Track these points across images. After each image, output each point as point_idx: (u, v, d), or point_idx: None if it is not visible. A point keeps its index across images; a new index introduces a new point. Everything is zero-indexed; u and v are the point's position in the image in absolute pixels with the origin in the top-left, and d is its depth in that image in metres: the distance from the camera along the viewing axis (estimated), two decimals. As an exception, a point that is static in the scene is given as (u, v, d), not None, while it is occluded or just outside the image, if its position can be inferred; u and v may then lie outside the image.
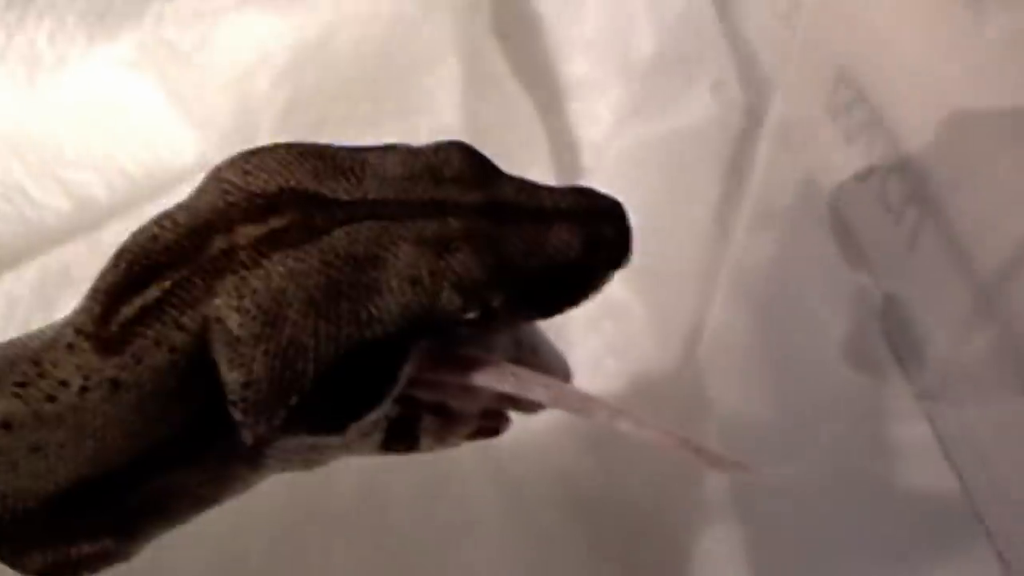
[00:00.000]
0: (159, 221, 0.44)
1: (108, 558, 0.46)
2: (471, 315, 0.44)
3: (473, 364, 0.47)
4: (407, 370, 0.44)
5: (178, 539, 0.63)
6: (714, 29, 0.76)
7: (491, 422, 0.52)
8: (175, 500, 0.46)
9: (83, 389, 0.41)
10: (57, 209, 0.75)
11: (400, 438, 0.49)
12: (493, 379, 0.47)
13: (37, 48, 0.79)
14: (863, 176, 0.56)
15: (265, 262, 0.42)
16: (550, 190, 0.46)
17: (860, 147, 0.57)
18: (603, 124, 0.83)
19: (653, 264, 0.76)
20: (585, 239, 0.46)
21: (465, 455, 0.70)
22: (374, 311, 0.43)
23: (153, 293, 0.42)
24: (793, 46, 0.63)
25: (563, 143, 0.83)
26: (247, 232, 0.43)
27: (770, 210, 0.67)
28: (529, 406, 0.51)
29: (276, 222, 0.43)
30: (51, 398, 0.41)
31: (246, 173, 0.44)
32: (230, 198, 0.44)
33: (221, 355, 0.42)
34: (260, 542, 0.65)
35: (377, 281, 0.43)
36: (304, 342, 0.42)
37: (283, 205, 0.43)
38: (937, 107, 0.51)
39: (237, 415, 0.43)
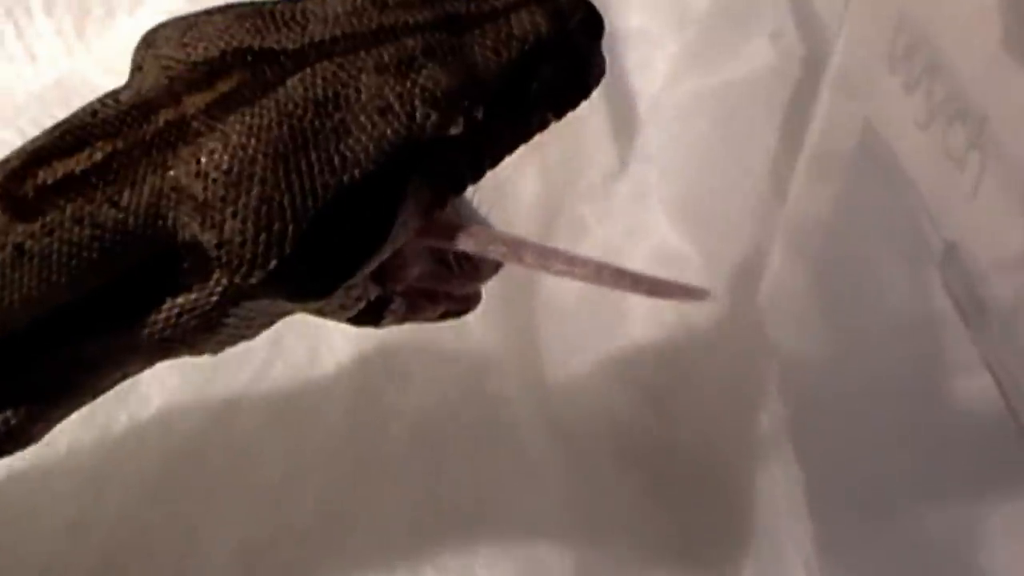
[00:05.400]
0: (102, 99, 0.43)
1: (12, 437, 0.45)
2: (455, 130, 0.43)
3: (455, 230, 0.47)
4: (408, 214, 0.44)
5: (226, 488, 0.64)
6: (772, -23, 0.76)
7: (460, 305, 0.52)
8: (84, 373, 0.45)
9: None
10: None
11: (368, 316, 0.48)
12: (480, 244, 0.47)
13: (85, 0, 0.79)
14: (924, 124, 0.56)
15: (220, 125, 0.41)
16: None
17: (920, 94, 0.56)
18: (659, 75, 0.83)
19: (710, 214, 0.76)
20: (549, 13, 0.45)
21: (518, 404, 0.70)
22: (348, 153, 0.42)
23: (81, 163, 0.41)
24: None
25: (619, 95, 0.82)
26: (194, 101, 0.42)
27: (829, 159, 0.67)
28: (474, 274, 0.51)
29: (224, 85, 0.42)
30: None
31: (184, 45, 0.43)
32: (171, 72, 0.43)
33: (187, 224, 0.41)
34: (311, 491, 0.65)
35: (344, 121, 0.42)
36: (277, 199, 0.41)
37: (228, 67, 0.42)
38: (999, 52, 0.50)
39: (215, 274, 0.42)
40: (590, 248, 0.76)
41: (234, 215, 0.41)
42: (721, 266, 0.75)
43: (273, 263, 0.42)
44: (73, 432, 0.62)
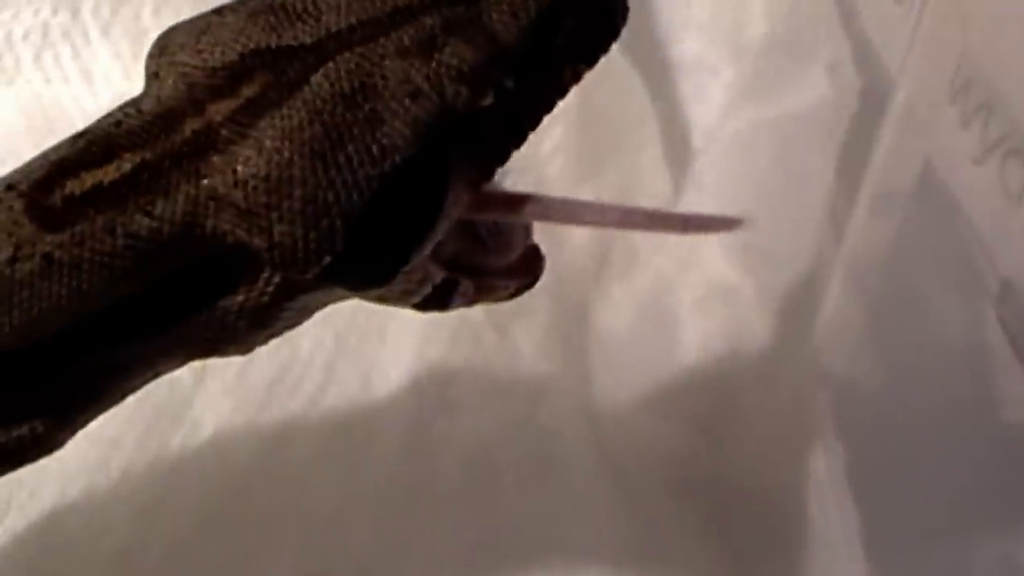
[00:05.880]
0: (124, 108, 0.43)
1: (37, 445, 0.45)
2: (487, 102, 0.43)
3: (513, 200, 0.47)
4: (455, 192, 0.43)
5: (280, 517, 0.64)
6: (829, 11, 0.75)
7: (526, 276, 0.52)
8: (115, 378, 0.45)
9: (13, 259, 0.41)
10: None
11: (435, 301, 0.48)
12: (539, 211, 0.47)
13: (142, 22, 0.79)
14: (980, 160, 0.55)
15: (251, 132, 0.41)
16: None
17: (976, 130, 0.56)
18: (715, 106, 0.83)
19: (764, 246, 0.75)
20: None
21: (569, 435, 0.70)
22: (385, 141, 0.41)
23: (110, 174, 0.41)
24: (914, 29, 0.62)
25: (674, 125, 0.82)
26: (219, 108, 0.42)
27: (888, 194, 0.66)
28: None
29: (248, 90, 0.42)
30: None
31: (200, 51, 0.43)
32: (191, 79, 0.42)
33: (230, 231, 0.41)
34: (364, 521, 0.65)
35: (375, 110, 0.41)
36: (321, 198, 0.41)
37: (250, 71, 0.42)
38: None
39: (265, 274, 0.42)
40: (643, 279, 0.76)
41: (280, 219, 0.41)
42: (775, 299, 0.75)
43: (327, 259, 0.41)
44: (126, 458, 0.62)
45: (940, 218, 0.59)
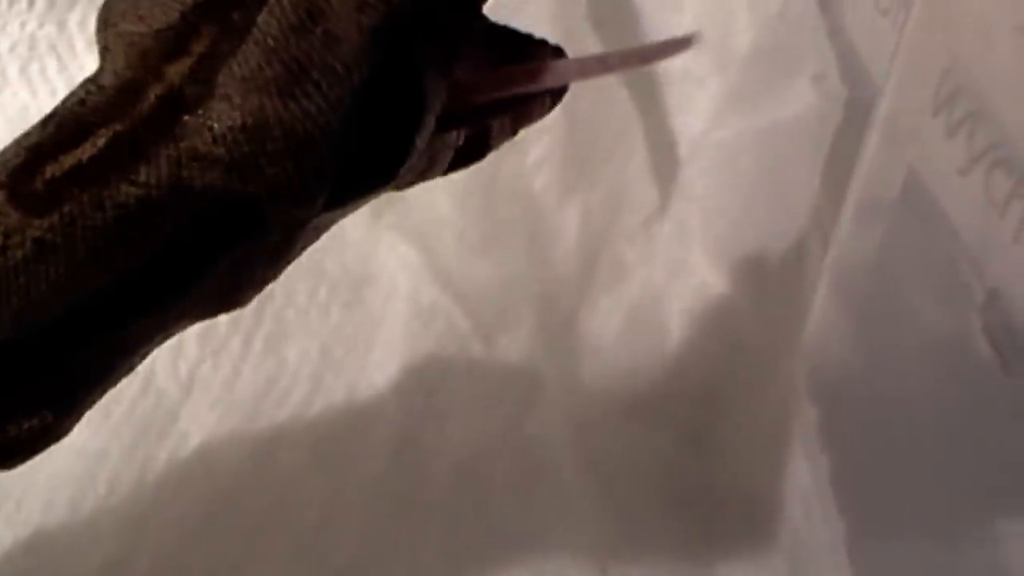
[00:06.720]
0: (85, 87, 0.43)
1: (47, 435, 0.44)
2: None
3: (528, 71, 0.48)
4: (430, 84, 0.43)
5: (267, 529, 0.64)
6: (815, 22, 0.76)
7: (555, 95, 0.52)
8: (128, 353, 0.45)
9: (3, 248, 0.40)
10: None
11: (471, 155, 0.49)
12: (570, 75, 0.48)
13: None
14: (965, 170, 0.56)
15: (213, 86, 0.41)
16: None
17: (961, 140, 0.56)
18: (700, 116, 0.83)
19: (752, 256, 0.75)
20: None
21: (558, 444, 0.70)
22: (346, 57, 0.41)
23: (87, 151, 0.41)
24: (898, 39, 0.63)
25: (660, 135, 0.83)
26: (177, 69, 0.41)
27: (873, 203, 0.67)
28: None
29: (199, 46, 0.41)
30: None
31: (142, 18, 0.42)
32: (141, 47, 0.42)
33: (221, 185, 0.41)
34: (352, 531, 0.65)
35: (328, 32, 0.41)
36: (302, 130, 0.41)
37: (195, 27, 0.42)
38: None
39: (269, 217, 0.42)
40: (632, 289, 0.76)
41: (269, 162, 0.41)
42: (763, 308, 0.75)
43: (327, 185, 0.42)
44: (113, 470, 0.62)
45: (926, 228, 0.59)
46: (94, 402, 0.46)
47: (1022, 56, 0.52)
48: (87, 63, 0.78)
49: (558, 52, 0.50)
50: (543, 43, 0.50)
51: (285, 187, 0.41)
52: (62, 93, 0.75)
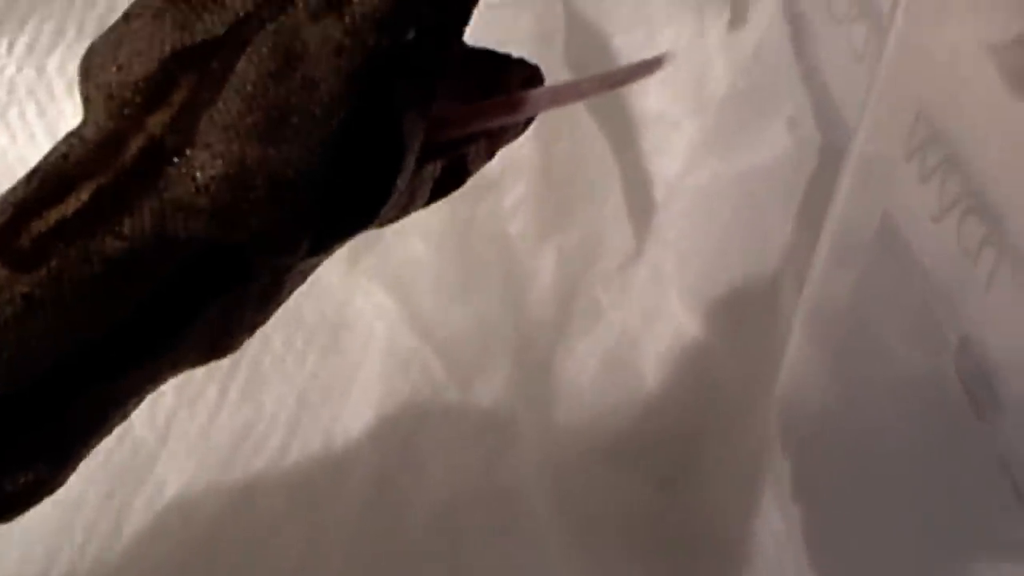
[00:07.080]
0: (68, 140, 0.42)
1: (41, 488, 0.44)
2: (409, 36, 0.42)
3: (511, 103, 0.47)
4: (408, 125, 0.43)
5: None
6: (789, 67, 0.76)
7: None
8: (120, 405, 0.45)
9: None
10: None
11: (450, 183, 0.48)
12: (544, 103, 0.48)
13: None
14: (938, 217, 0.56)
15: (194, 135, 0.41)
16: None
17: (934, 186, 0.57)
18: (676, 160, 0.83)
19: (727, 300, 0.76)
20: None
21: (533, 492, 0.70)
22: (326, 100, 0.41)
23: (72, 206, 0.41)
24: (871, 85, 0.63)
25: (636, 178, 0.83)
26: (157, 120, 0.41)
27: (847, 248, 0.67)
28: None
29: (178, 96, 0.41)
30: None
31: (120, 68, 0.42)
32: (120, 99, 0.42)
33: (205, 235, 0.41)
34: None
35: (307, 76, 0.41)
36: (282, 177, 0.41)
37: (174, 76, 0.41)
38: (1016, 149, 0.51)
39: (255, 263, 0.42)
40: (607, 334, 0.76)
41: (252, 211, 0.41)
42: (738, 351, 0.75)
43: (309, 230, 0.42)
44: (89, 520, 0.62)
45: (900, 272, 0.60)
46: (87, 454, 0.46)
47: (993, 104, 0.53)
48: (66, 108, 0.78)
49: (534, 73, 0.51)
50: (520, 63, 0.50)
51: (268, 235, 0.41)
52: (41, 138, 0.76)
